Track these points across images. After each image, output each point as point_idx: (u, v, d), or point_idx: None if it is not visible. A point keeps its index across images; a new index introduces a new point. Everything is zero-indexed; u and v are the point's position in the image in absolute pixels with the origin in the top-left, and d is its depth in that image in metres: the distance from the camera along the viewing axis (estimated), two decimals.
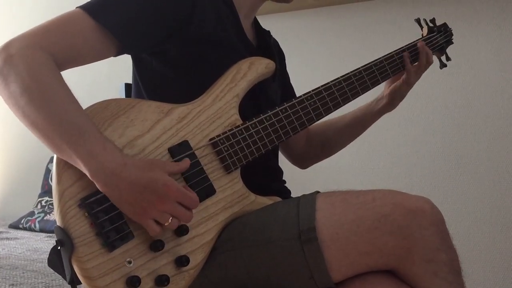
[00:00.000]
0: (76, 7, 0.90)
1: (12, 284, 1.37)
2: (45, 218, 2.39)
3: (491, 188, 1.82)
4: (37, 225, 2.37)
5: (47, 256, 0.83)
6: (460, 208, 1.86)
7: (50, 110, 0.79)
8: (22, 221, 2.43)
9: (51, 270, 0.86)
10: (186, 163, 0.87)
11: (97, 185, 0.79)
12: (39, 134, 0.81)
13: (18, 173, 2.97)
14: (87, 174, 0.79)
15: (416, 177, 1.93)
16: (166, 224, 0.81)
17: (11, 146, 2.99)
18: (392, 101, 1.24)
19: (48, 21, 0.87)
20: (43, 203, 2.49)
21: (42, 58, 0.82)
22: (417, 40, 1.27)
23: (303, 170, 1.38)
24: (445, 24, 1.38)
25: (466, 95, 1.88)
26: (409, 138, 1.96)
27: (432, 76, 1.85)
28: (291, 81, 1.32)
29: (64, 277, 0.82)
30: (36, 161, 2.75)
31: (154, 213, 0.80)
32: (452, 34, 1.38)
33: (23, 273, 1.49)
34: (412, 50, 1.23)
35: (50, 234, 2.23)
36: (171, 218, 0.81)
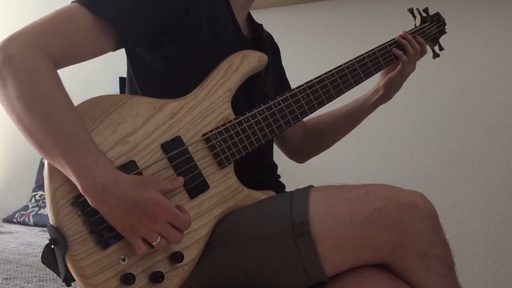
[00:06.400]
0: (72, 2, 0.88)
1: (6, 278, 1.37)
2: (39, 212, 2.39)
3: (484, 183, 1.83)
4: (31, 219, 2.37)
5: (41, 251, 0.83)
6: (454, 203, 1.87)
7: (45, 117, 0.77)
8: (16, 215, 2.42)
9: None
10: (179, 182, 0.85)
11: (87, 199, 0.78)
12: (32, 140, 0.79)
13: (12, 167, 2.96)
14: (78, 187, 0.78)
15: (410, 171, 1.94)
16: (154, 244, 0.80)
17: (5, 140, 2.98)
18: (387, 92, 1.25)
19: (45, 17, 0.85)
20: (37, 197, 2.49)
21: (41, 60, 0.80)
22: (409, 31, 1.27)
23: (297, 164, 1.37)
24: (438, 14, 1.37)
25: (460, 91, 1.88)
26: (403, 133, 1.96)
27: (427, 71, 1.86)
28: (287, 76, 1.32)
29: (57, 273, 0.82)
30: (30, 155, 2.73)
31: (143, 231, 0.79)
32: (445, 24, 1.37)
33: (17, 267, 1.49)
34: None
35: (44, 228, 2.23)
36: (159, 237, 0.80)
